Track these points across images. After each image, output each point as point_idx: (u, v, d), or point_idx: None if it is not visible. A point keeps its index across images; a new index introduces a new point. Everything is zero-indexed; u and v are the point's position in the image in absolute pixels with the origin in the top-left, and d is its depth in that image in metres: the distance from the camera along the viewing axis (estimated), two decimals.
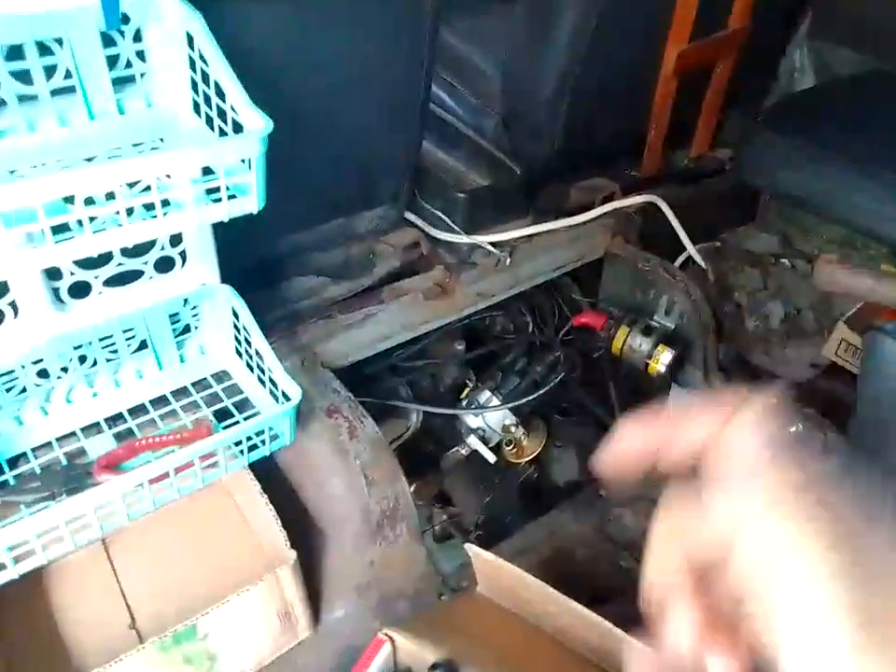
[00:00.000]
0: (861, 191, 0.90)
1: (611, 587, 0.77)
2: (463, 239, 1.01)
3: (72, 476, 0.66)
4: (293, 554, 0.66)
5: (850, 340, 1.06)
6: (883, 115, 1.02)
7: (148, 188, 0.51)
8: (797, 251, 1.18)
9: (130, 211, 0.52)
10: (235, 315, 0.73)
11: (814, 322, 1.14)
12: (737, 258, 1.17)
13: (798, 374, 1.10)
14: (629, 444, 0.29)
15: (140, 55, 0.60)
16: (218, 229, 0.67)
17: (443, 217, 1.01)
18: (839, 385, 1.07)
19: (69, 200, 0.49)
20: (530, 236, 1.05)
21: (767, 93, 1.33)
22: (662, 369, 1.02)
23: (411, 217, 1.02)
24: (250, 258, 0.86)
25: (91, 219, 0.52)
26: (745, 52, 1.16)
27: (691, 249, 1.12)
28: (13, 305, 0.63)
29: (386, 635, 0.55)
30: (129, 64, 0.60)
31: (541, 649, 0.60)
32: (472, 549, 0.63)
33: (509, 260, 1.01)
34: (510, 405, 1.03)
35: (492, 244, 1.02)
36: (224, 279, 0.74)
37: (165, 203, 0.52)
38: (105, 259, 0.65)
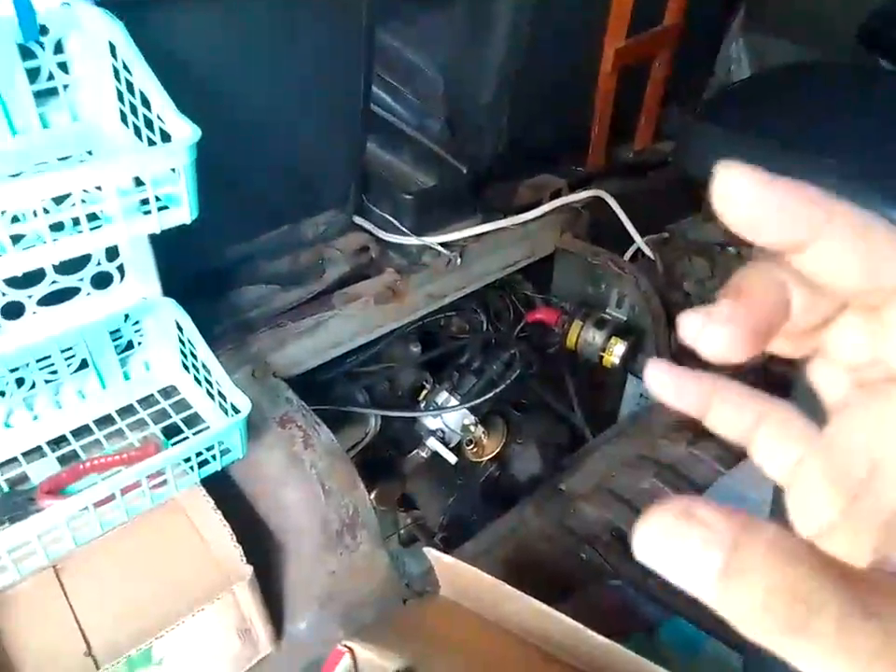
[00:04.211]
0: (795, 178, 0.92)
1: (573, 580, 0.78)
2: (412, 241, 1.00)
3: (14, 503, 0.64)
4: (249, 570, 0.65)
5: None
6: (816, 102, 1.05)
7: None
8: (742, 239, 1.19)
9: (58, 226, 0.51)
10: (180, 328, 0.72)
11: None
12: (684, 248, 1.19)
13: (749, 359, 1.12)
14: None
15: (62, 66, 0.58)
16: (159, 240, 0.66)
17: (392, 219, 1.01)
18: (789, 368, 1.09)
19: None
20: (480, 235, 1.05)
21: (706, 86, 1.35)
22: (616, 360, 1.03)
23: (359, 221, 1.01)
24: (195, 269, 0.84)
25: (20, 237, 0.50)
26: (682, 46, 1.18)
27: (639, 241, 1.14)
28: None
29: (346, 646, 0.54)
30: (51, 77, 0.58)
31: (504, 648, 0.60)
32: (431, 552, 0.63)
33: (459, 261, 1.01)
34: (468, 405, 1.03)
35: (442, 244, 1.02)
36: (168, 292, 0.72)
37: (94, 216, 0.51)
38: (39, 277, 0.62)
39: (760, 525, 0.15)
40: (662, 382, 0.21)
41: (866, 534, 0.18)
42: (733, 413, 0.21)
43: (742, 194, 0.17)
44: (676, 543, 0.15)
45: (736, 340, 0.18)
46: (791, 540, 0.15)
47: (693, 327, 0.18)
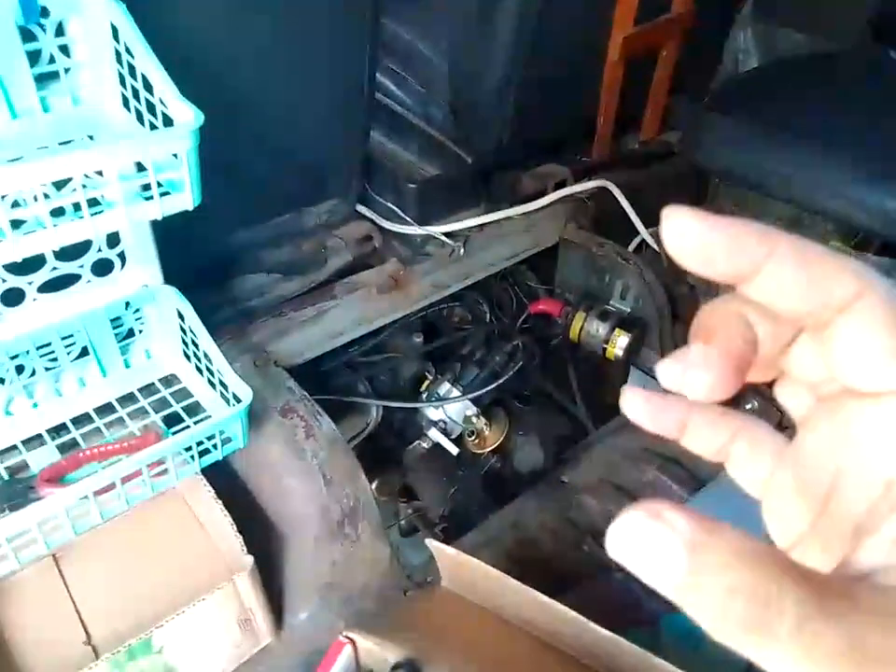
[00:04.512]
0: (804, 168, 0.91)
1: (575, 573, 0.78)
2: (416, 230, 0.99)
3: (14, 491, 0.64)
4: (250, 560, 0.65)
5: None
6: (825, 92, 1.04)
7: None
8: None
9: (59, 212, 0.50)
10: (181, 316, 0.71)
11: None
12: None
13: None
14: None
15: (64, 50, 0.57)
16: (161, 227, 0.65)
17: (395, 208, 1.00)
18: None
19: None
20: (483, 225, 1.04)
21: (713, 76, 1.34)
22: (619, 352, 1.03)
23: (362, 209, 1.00)
24: (197, 256, 0.83)
25: (20, 223, 0.49)
26: (690, 35, 1.17)
27: (643, 233, 1.13)
28: None
29: (347, 637, 0.54)
30: (52, 60, 0.57)
31: (505, 639, 0.60)
32: (433, 543, 0.62)
33: (462, 251, 1.01)
34: (470, 396, 1.02)
35: (445, 234, 1.01)
36: (169, 279, 0.72)
37: (95, 202, 0.50)
38: (39, 263, 0.62)
39: (723, 529, 0.16)
40: (638, 410, 0.22)
41: (836, 541, 0.19)
42: (708, 433, 0.23)
43: (688, 234, 0.18)
44: (643, 542, 0.16)
45: (717, 382, 0.20)
46: (753, 544, 0.16)
47: (673, 374, 0.20)
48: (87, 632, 0.67)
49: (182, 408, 0.73)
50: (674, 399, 0.22)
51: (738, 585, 0.15)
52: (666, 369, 0.20)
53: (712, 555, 0.15)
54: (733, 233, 0.18)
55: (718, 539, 0.15)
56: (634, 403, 0.22)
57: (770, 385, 0.23)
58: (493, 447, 1.07)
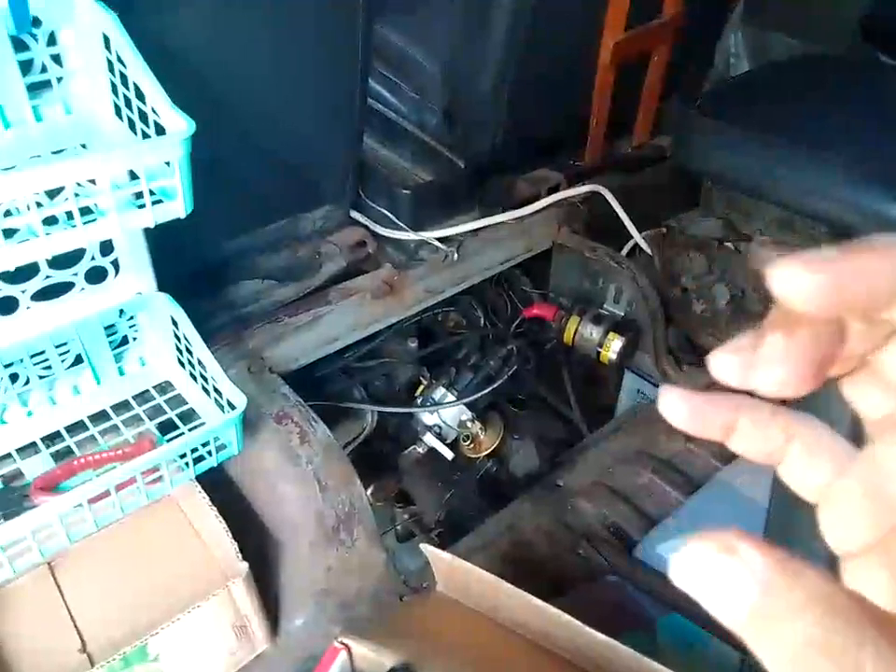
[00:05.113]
0: (795, 172, 0.91)
1: (571, 577, 0.78)
2: (410, 236, 1.00)
3: (8, 500, 0.64)
4: (245, 567, 0.65)
5: None
6: (815, 96, 1.05)
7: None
8: (740, 234, 1.20)
9: (52, 220, 0.50)
10: (175, 323, 0.71)
11: (758, 303, 1.17)
12: (682, 243, 1.18)
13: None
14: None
15: (56, 59, 0.58)
16: (154, 235, 0.65)
17: (389, 214, 1.00)
18: None
19: None
20: (477, 230, 1.05)
21: (705, 79, 1.34)
22: (613, 356, 1.03)
23: (356, 215, 1.00)
24: (191, 263, 0.83)
25: (13, 231, 0.49)
26: (681, 39, 1.18)
27: (636, 237, 1.13)
28: None
29: (342, 643, 0.54)
30: (44, 69, 0.57)
31: (501, 644, 0.60)
32: (428, 549, 0.62)
33: (456, 255, 1.01)
34: (465, 400, 1.02)
35: (439, 239, 1.01)
36: (163, 287, 0.72)
37: (88, 210, 0.50)
38: (32, 271, 0.62)
39: (803, 571, 0.14)
40: (678, 412, 0.20)
41: None
42: (758, 435, 0.20)
43: (816, 292, 0.16)
44: (712, 576, 0.15)
45: (793, 378, 0.17)
46: (832, 589, 0.14)
47: (733, 367, 0.18)
48: (82, 640, 0.67)
49: (176, 415, 0.73)
50: (718, 399, 0.20)
51: (813, 636, 0.14)
52: (724, 361, 0.18)
53: (789, 601, 0.14)
54: (866, 270, 0.16)
55: (796, 583, 0.14)
56: (673, 404, 0.20)
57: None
58: (488, 451, 1.07)
